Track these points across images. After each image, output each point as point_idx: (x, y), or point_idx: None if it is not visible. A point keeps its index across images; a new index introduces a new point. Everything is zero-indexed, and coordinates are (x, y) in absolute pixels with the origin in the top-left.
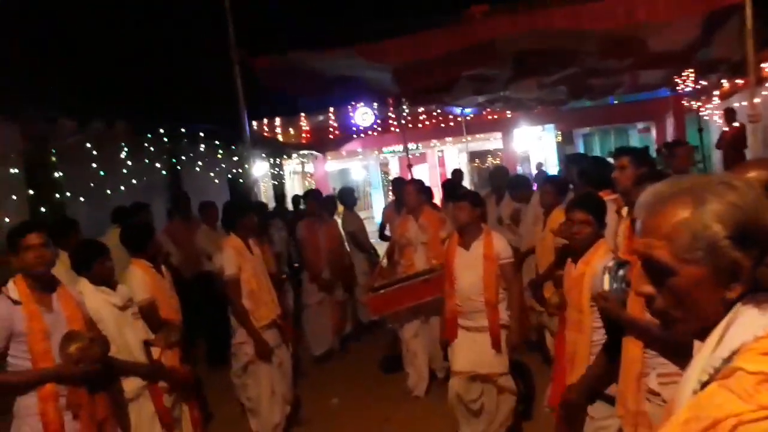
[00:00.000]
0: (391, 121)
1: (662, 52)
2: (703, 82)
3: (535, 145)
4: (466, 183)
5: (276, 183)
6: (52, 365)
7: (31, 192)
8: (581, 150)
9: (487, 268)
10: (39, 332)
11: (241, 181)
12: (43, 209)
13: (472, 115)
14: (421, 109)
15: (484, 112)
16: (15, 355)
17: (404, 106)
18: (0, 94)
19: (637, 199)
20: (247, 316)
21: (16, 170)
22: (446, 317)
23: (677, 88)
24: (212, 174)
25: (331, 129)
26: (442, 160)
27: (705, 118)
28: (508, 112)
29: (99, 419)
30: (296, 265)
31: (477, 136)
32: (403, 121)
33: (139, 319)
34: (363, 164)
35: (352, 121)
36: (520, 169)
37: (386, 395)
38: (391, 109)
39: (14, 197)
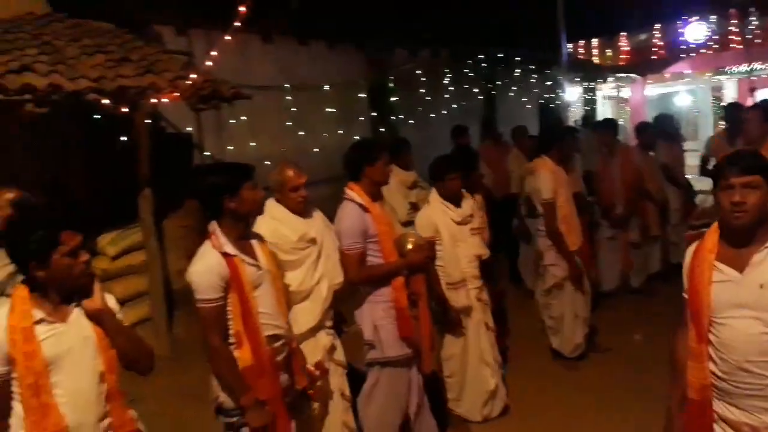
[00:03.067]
0: (731, 37)
1: None
2: None
3: None
4: None
5: (588, 108)
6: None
7: (373, 114)
8: None
9: None
10: (386, 233)
11: (551, 106)
12: (381, 129)
13: None
14: None
15: None
16: (369, 253)
17: (752, 18)
18: (350, 27)
19: None
20: (562, 238)
21: (363, 95)
22: (692, 399)
23: None
24: (524, 99)
25: (654, 49)
26: None
27: None
28: None
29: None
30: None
31: None
32: (748, 36)
33: (476, 236)
34: (689, 88)
35: (681, 39)
36: None
37: None
38: (734, 21)
39: (361, 118)
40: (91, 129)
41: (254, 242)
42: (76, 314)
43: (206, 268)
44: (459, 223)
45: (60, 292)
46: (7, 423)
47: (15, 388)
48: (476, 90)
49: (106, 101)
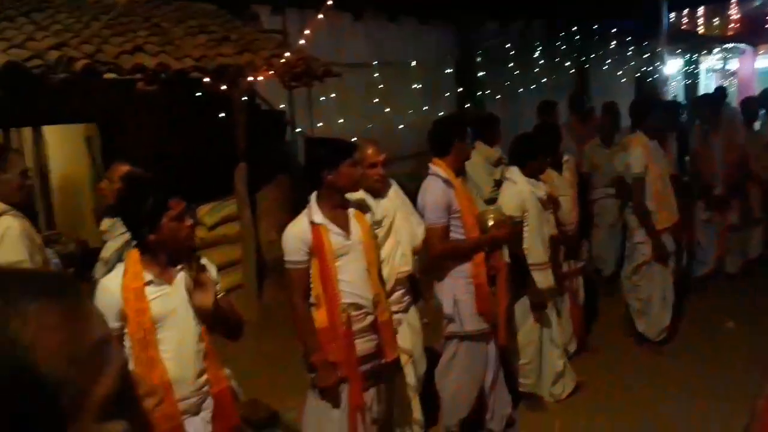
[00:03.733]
0: None
1: None
2: None
3: None
4: None
5: (689, 82)
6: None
7: (459, 90)
8: None
9: None
10: (468, 209)
11: (649, 79)
12: (467, 105)
13: None
14: None
15: None
16: (452, 229)
17: None
18: (439, 2)
19: None
20: (649, 216)
21: (450, 70)
22: None
23: None
24: (619, 72)
25: None
26: None
27: None
28: None
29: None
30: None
31: None
32: None
33: (552, 214)
34: None
35: None
36: None
37: None
38: None
39: (447, 94)
40: (192, 106)
41: (351, 213)
42: (181, 277)
43: (293, 233)
44: (543, 202)
45: (168, 254)
46: None
47: (126, 342)
48: (568, 64)
49: (207, 79)
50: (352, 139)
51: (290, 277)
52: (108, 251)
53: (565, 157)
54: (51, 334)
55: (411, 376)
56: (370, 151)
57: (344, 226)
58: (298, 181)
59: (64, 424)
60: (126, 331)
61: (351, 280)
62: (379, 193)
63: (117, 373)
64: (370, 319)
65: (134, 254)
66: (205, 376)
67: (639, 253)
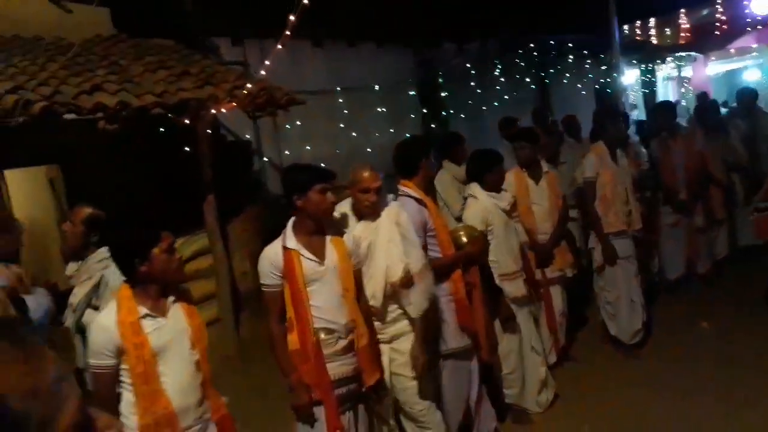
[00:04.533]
0: None
1: None
2: None
3: None
4: None
5: (646, 91)
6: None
7: (424, 111)
8: None
9: None
10: (442, 226)
11: (608, 90)
12: (432, 125)
13: None
14: None
15: None
16: (428, 247)
17: None
18: (397, 25)
19: None
20: (597, 219)
21: (413, 92)
22: None
23: None
24: (579, 85)
25: (717, 24)
26: None
27: None
28: None
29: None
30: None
31: None
32: None
33: (518, 223)
34: (758, 63)
35: (747, 11)
36: None
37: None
38: None
39: (412, 116)
40: (157, 141)
41: (329, 239)
42: (173, 309)
43: (266, 256)
44: (507, 212)
45: (160, 285)
46: (117, 409)
47: (124, 378)
48: (528, 80)
49: (169, 115)
50: (320, 165)
51: (265, 300)
52: (76, 297)
53: (545, 169)
54: (11, 370)
55: (387, 414)
56: (365, 174)
57: (319, 251)
58: (269, 210)
59: None
60: (125, 366)
61: (322, 305)
62: (366, 217)
63: (77, 406)
64: (342, 343)
65: (125, 290)
66: (206, 404)
67: (594, 258)
